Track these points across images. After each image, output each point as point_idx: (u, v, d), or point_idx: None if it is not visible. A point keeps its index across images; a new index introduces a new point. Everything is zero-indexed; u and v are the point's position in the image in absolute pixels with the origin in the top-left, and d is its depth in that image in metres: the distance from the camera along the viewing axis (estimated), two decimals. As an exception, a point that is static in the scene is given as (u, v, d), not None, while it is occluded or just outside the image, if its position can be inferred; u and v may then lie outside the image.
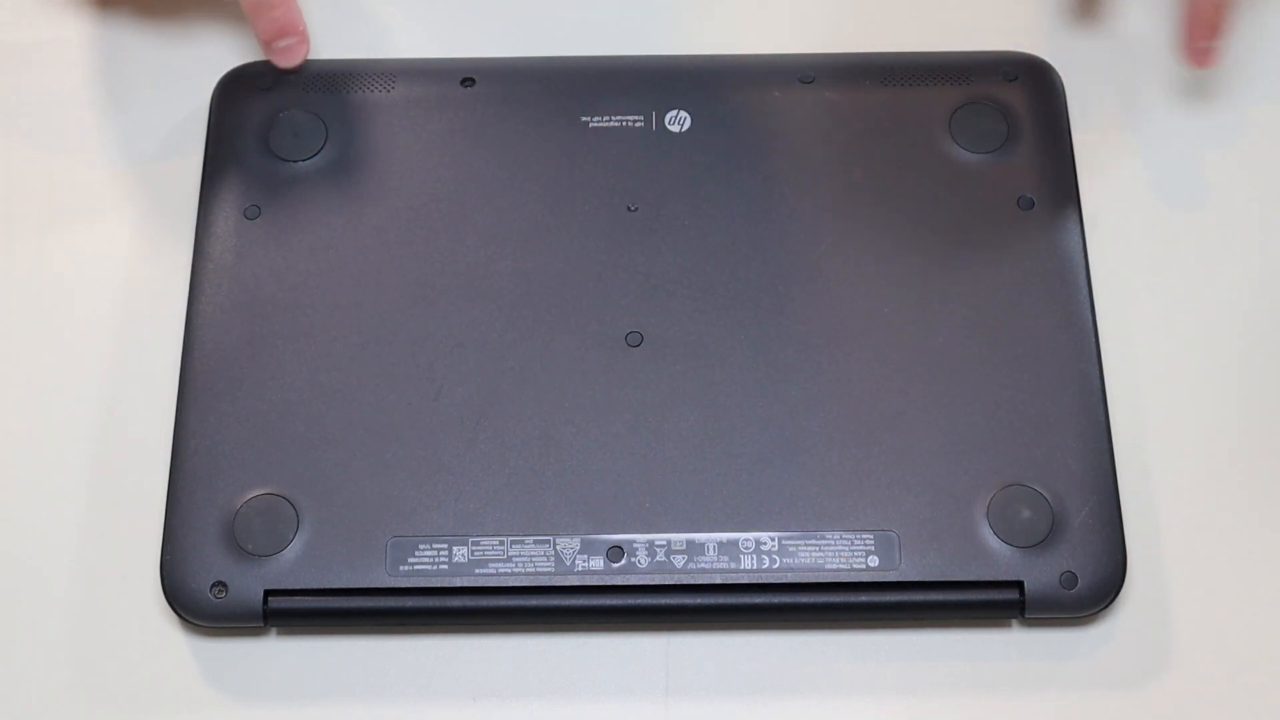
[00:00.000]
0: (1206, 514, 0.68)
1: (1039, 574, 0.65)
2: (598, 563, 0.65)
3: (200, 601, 0.65)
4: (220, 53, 0.76)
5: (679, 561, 0.65)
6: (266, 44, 0.74)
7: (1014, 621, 0.66)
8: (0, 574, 0.67)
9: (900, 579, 0.65)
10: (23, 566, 0.68)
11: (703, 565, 0.65)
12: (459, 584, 0.65)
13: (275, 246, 0.70)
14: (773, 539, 0.65)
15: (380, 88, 0.74)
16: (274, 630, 0.66)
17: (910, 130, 0.72)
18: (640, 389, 0.67)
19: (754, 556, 0.65)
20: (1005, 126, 0.73)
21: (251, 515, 0.65)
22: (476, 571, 0.65)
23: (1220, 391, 0.70)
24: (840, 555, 0.65)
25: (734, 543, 0.65)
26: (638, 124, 0.73)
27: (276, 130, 0.73)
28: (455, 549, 0.65)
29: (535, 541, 0.65)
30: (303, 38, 0.74)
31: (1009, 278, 0.69)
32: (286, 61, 0.74)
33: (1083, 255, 0.70)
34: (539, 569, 0.65)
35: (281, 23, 0.73)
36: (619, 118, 0.73)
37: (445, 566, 0.65)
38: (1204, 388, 0.70)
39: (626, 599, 0.65)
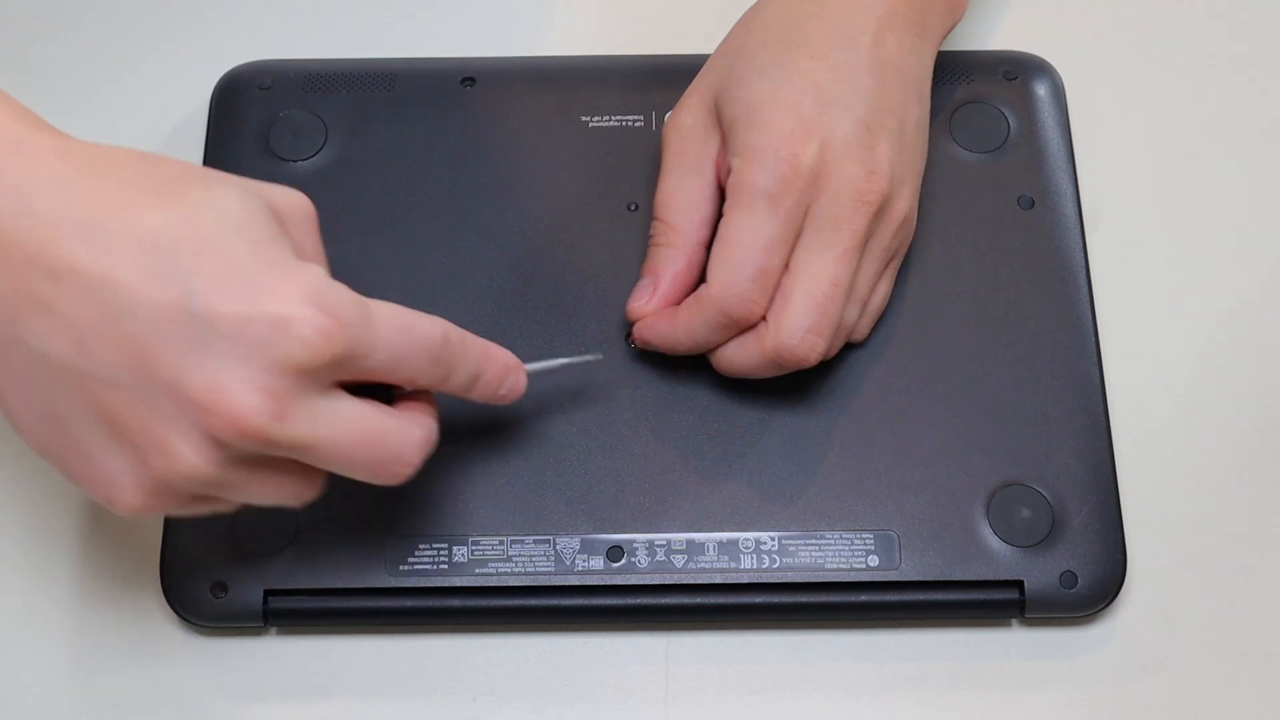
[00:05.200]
0: (1206, 514, 0.68)
1: (1039, 574, 0.65)
2: (598, 562, 0.65)
3: (200, 601, 0.65)
4: (220, 53, 0.76)
5: (679, 561, 0.65)
6: (491, 398, 0.61)
7: (1014, 621, 0.66)
8: (1, 574, 0.67)
9: (900, 579, 0.65)
10: (23, 567, 0.68)
11: (703, 565, 0.65)
12: (459, 584, 0.65)
13: (275, 246, 0.70)
14: (773, 539, 0.65)
15: (380, 88, 0.74)
16: (274, 630, 0.66)
17: (910, 130, 0.72)
18: (640, 389, 0.67)
19: (754, 556, 0.65)
20: (1005, 126, 0.73)
21: (251, 515, 0.65)
22: (476, 571, 0.65)
23: (1220, 391, 0.70)
24: (840, 555, 0.65)
25: (734, 542, 0.65)
26: (638, 124, 0.73)
27: (276, 130, 0.73)
28: (455, 549, 0.65)
29: (535, 541, 0.65)
30: (516, 365, 0.62)
31: (1008, 278, 0.69)
32: (513, 397, 0.62)
33: (1082, 255, 0.70)
34: (539, 569, 0.65)
35: (496, 378, 0.61)
36: (619, 118, 0.73)
37: (445, 566, 0.65)
38: (1204, 387, 0.70)
39: (626, 599, 0.65)
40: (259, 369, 0.52)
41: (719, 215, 0.66)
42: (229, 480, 0.55)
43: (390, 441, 0.56)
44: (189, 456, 0.53)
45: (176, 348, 0.52)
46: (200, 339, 0.52)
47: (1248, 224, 0.74)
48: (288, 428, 0.53)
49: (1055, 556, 0.65)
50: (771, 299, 0.64)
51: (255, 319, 0.52)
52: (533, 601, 0.65)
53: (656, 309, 0.66)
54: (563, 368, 0.66)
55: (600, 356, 0.67)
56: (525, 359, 0.68)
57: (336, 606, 0.65)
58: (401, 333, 0.56)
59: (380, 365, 0.56)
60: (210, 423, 0.52)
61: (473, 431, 0.67)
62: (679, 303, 0.66)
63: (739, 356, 0.65)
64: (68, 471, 0.55)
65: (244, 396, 0.52)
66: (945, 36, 0.70)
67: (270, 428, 0.53)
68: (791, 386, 0.67)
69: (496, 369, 0.61)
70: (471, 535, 0.65)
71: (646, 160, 0.72)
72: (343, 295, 0.54)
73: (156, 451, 0.53)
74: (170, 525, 0.65)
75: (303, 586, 0.65)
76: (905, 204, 0.66)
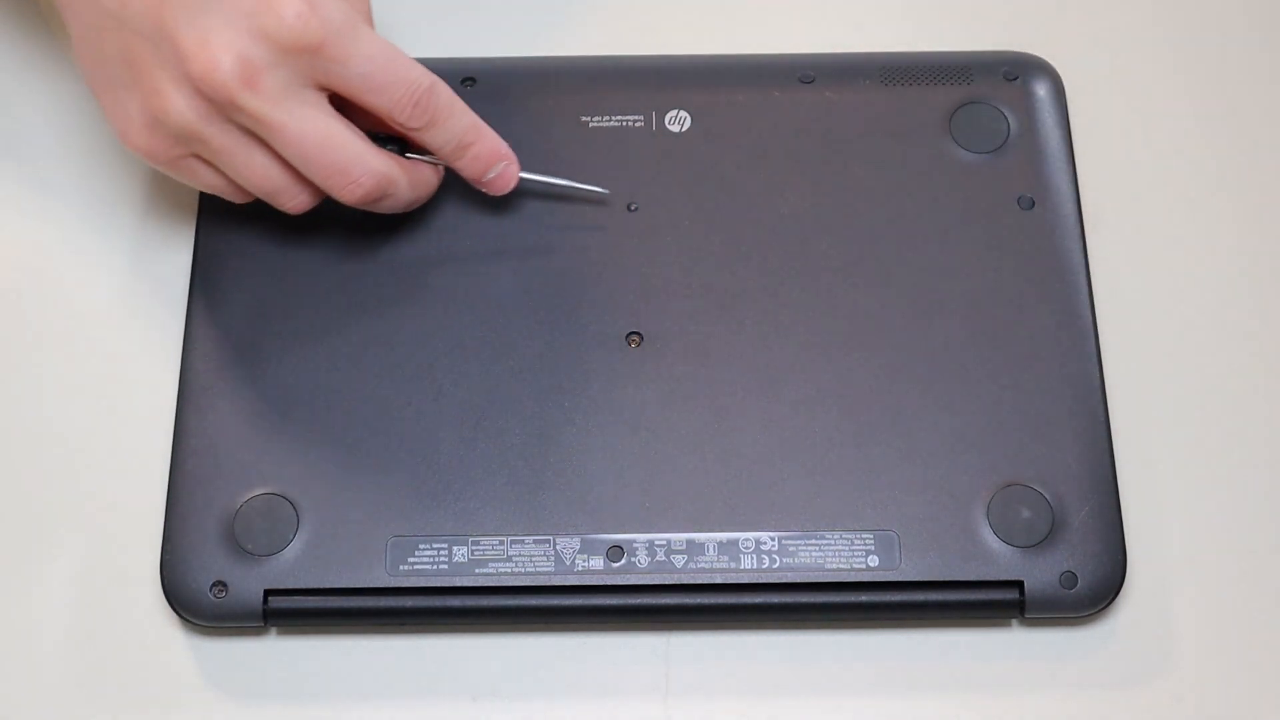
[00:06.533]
0: (1206, 514, 0.68)
1: (1039, 574, 0.65)
2: (598, 562, 0.65)
3: (200, 601, 0.65)
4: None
5: (679, 561, 0.65)
6: (476, 181, 0.69)
7: (1014, 621, 0.66)
8: (1, 574, 0.67)
9: (900, 579, 0.65)
10: (23, 566, 0.68)
11: (702, 565, 0.65)
12: (459, 584, 0.65)
13: (275, 246, 0.70)
14: (773, 539, 0.65)
15: (380, 88, 0.74)
16: (274, 630, 0.66)
17: (910, 130, 0.72)
18: (640, 389, 0.67)
19: (754, 556, 0.65)
20: (1005, 126, 0.73)
21: (251, 515, 0.66)
22: (476, 571, 0.65)
23: (1220, 391, 0.70)
24: (840, 555, 0.65)
25: (734, 542, 0.65)
26: (638, 124, 0.73)
27: (276, 130, 0.73)
28: (455, 549, 0.65)
29: (535, 541, 0.65)
30: (511, 158, 0.69)
31: (1009, 278, 0.69)
32: (500, 191, 0.69)
33: (1083, 255, 0.70)
34: (539, 569, 0.65)
35: (485, 156, 0.68)
36: (619, 118, 0.73)
37: (445, 566, 0.65)
38: (1204, 387, 0.70)
39: (626, 599, 0.65)
40: (241, 35, 0.61)
41: None
42: (212, 136, 0.63)
43: (347, 155, 0.64)
44: (175, 101, 0.62)
45: (185, 5, 0.61)
46: (203, 2, 0.61)
47: (1248, 224, 0.74)
48: (253, 97, 0.62)
49: (1055, 556, 0.65)
50: None
51: None
52: (533, 601, 0.65)
53: None
54: (562, 188, 0.70)
55: (606, 192, 0.70)
56: (527, 359, 0.68)
57: (336, 606, 0.65)
58: (383, 59, 0.63)
59: (356, 80, 0.63)
60: (191, 71, 0.61)
61: (473, 431, 0.67)
62: None
63: None
64: (104, 110, 0.65)
65: (222, 54, 0.61)
66: None
67: (238, 91, 0.62)
68: (792, 386, 0.67)
69: (488, 147, 0.68)
70: (471, 535, 0.65)
71: (646, 160, 0.72)
72: (336, 1, 0.62)
73: (154, 92, 0.62)
74: (170, 525, 0.66)
75: (303, 586, 0.65)
76: None
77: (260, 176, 0.65)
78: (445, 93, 0.66)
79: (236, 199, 0.67)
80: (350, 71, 0.63)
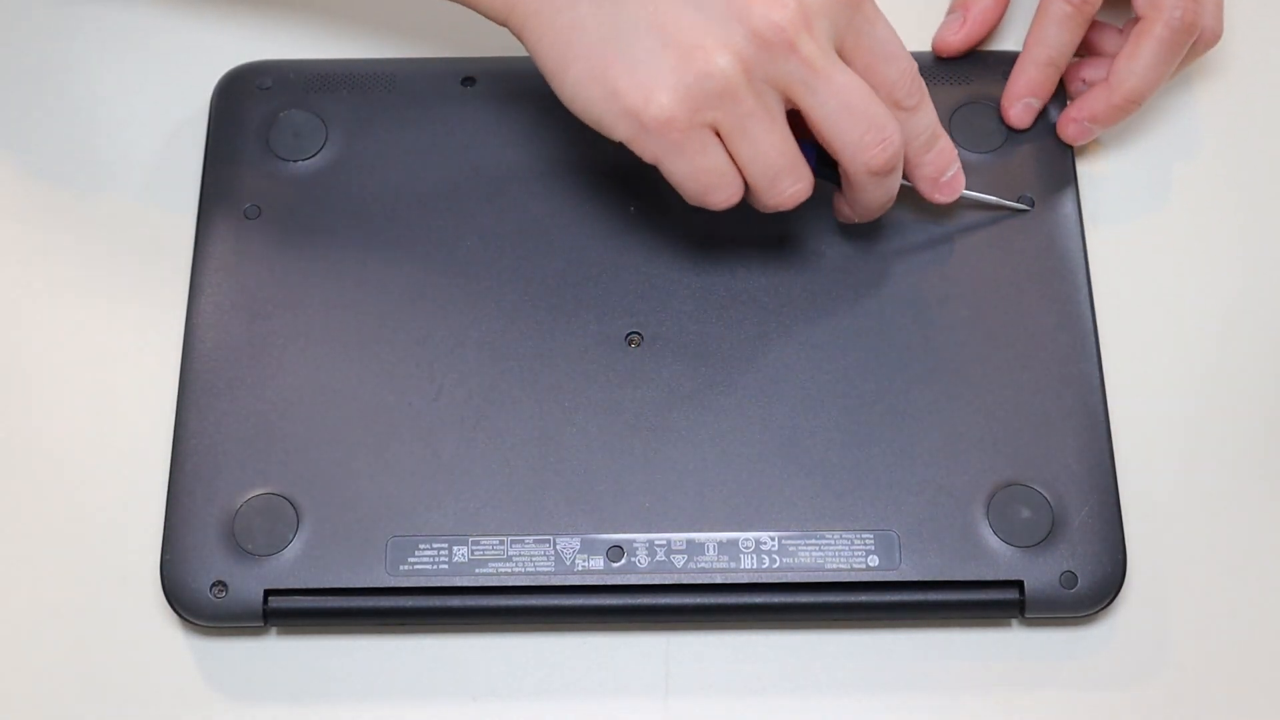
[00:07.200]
0: (1206, 514, 0.68)
1: (1039, 574, 0.65)
2: (598, 562, 0.65)
3: (200, 601, 0.65)
4: (220, 53, 0.76)
5: (679, 561, 0.65)
6: (932, 182, 0.68)
7: (1014, 621, 0.66)
8: (1, 574, 0.67)
9: (900, 579, 0.65)
10: (23, 566, 0.68)
11: (702, 565, 0.65)
12: (459, 584, 0.65)
13: (275, 246, 0.70)
14: (773, 539, 0.65)
15: (380, 88, 0.74)
16: (274, 630, 0.66)
17: (910, 130, 0.72)
18: (640, 389, 0.67)
19: (754, 556, 0.65)
20: (1005, 126, 0.73)
21: (251, 515, 0.66)
22: (476, 571, 0.65)
23: (1220, 391, 0.70)
24: (840, 555, 0.65)
25: (734, 542, 0.65)
26: (638, 124, 0.73)
27: (276, 130, 0.73)
28: (455, 549, 0.65)
29: (535, 541, 0.65)
30: (960, 164, 0.68)
31: (1009, 278, 0.69)
32: (949, 196, 0.68)
33: (1083, 255, 0.70)
34: (539, 569, 0.65)
35: (947, 153, 0.68)
36: (619, 118, 0.73)
37: (445, 566, 0.65)
38: (1204, 387, 0.70)
39: (626, 599, 0.65)
40: None
41: None
42: (747, 96, 0.62)
43: (881, 110, 0.64)
44: (724, 54, 0.61)
45: None
46: None
47: (1248, 223, 0.74)
48: (810, 41, 0.62)
49: (1055, 556, 0.65)
50: None
51: None
52: (533, 601, 0.65)
53: (964, 41, 0.74)
54: (987, 203, 0.70)
55: (1030, 209, 0.70)
56: (527, 358, 0.68)
57: (336, 606, 0.65)
58: (897, 38, 0.65)
59: (878, 41, 0.64)
60: (752, 14, 0.61)
61: (473, 431, 0.67)
62: (984, 37, 0.74)
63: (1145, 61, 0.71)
64: (611, 86, 0.63)
65: None
66: None
67: (798, 33, 0.61)
68: (791, 386, 0.67)
69: (949, 145, 0.68)
70: (471, 535, 0.65)
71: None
72: None
73: (696, 47, 0.62)
74: (170, 525, 0.66)
75: (303, 586, 0.65)
76: None
77: (773, 149, 0.63)
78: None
79: (721, 192, 0.65)
80: (877, 32, 0.64)
